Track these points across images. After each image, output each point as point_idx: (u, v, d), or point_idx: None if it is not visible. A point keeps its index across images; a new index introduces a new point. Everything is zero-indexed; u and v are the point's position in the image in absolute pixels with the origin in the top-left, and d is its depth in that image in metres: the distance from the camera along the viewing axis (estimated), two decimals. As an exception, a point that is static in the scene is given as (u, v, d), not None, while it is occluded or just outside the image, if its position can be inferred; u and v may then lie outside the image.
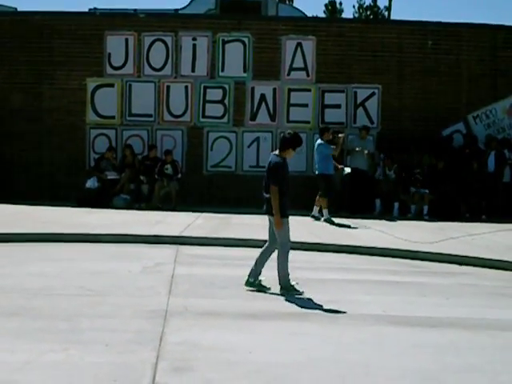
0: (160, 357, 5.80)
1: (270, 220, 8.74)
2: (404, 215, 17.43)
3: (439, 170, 17.70)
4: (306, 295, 8.51)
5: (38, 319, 6.89)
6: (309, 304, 8.05)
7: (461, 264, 11.49)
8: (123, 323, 6.88)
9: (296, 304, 8.03)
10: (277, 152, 8.75)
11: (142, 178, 18.21)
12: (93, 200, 17.45)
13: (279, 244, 8.62)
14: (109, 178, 18.16)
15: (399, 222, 16.19)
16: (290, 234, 8.70)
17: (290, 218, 8.70)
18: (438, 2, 69.29)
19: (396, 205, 17.71)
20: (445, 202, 17.48)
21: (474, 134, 18.81)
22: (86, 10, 23.36)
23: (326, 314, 7.65)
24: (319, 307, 7.91)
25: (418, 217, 17.18)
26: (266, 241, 12.53)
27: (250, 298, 8.26)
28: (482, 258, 11.55)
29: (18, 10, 24.95)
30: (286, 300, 8.21)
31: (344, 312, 7.73)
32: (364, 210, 17.37)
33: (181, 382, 5.25)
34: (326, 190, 15.77)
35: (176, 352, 5.97)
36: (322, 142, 16.02)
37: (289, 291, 8.50)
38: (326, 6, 48.80)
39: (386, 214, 17.36)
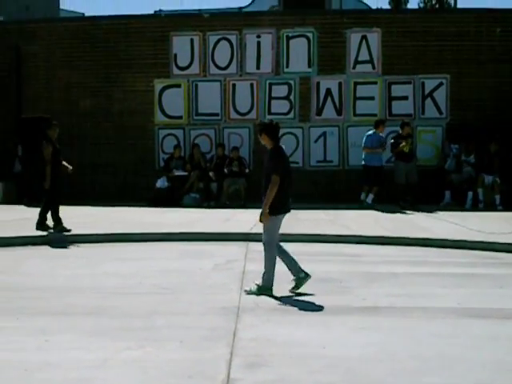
0: (234, 353, 5.83)
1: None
2: (475, 205, 17.10)
3: (511, 158, 17.31)
4: (379, 289, 8.44)
5: (114, 318, 7.02)
6: (381, 298, 7.97)
7: (537, 254, 11.22)
8: (197, 320, 6.96)
9: (368, 298, 7.96)
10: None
11: (211, 174, 18.35)
12: (163, 199, 17.71)
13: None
14: (176, 174, 18.34)
15: (471, 213, 15.88)
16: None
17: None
18: (505, -12, 67.52)
19: (470, 194, 17.37)
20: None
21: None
22: (152, 12, 23.72)
23: (399, 307, 7.56)
24: (392, 301, 7.83)
25: (491, 207, 16.83)
26: (333, 235, 12.53)
27: (321, 293, 8.23)
28: (560, 248, 11.25)
29: (86, 15, 25.53)
30: (358, 295, 8.15)
31: (417, 306, 7.64)
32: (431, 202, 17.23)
33: (256, 377, 5.27)
34: (364, 179, 17.34)
35: (250, 348, 6.00)
36: (370, 132, 17.42)
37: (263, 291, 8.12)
38: (390, -4, 48.09)
39: (456, 205, 17.09)
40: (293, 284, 8.28)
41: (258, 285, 8.19)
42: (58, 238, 12.43)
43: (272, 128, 8.37)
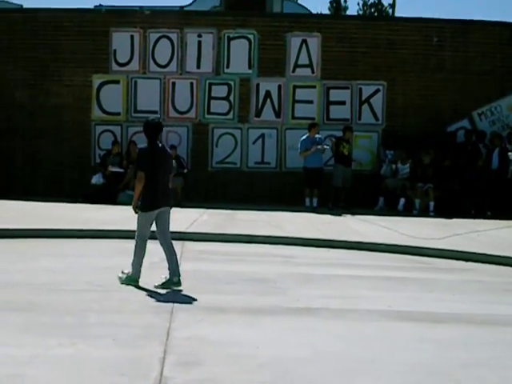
0: (167, 351, 5.82)
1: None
2: (409, 212, 17.40)
3: (445, 166, 17.68)
4: (313, 291, 8.53)
5: (45, 314, 6.93)
6: (315, 300, 8.06)
7: (466, 260, 11.48)
8: (131, 318, 6.92)
9: (302, 299, 8.04)
10: None
11: (147, 173, 18.19)
12: (98, 196, 17.48)
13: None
14: (112, 170, 18.12)
15: (404, 218, 16.16)
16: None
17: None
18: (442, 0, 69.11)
19: (402, 200, 17.67)
20: (450, 199, 17.45)
21: (480, 130, 18.75)
22: (92, 6, 23.42)
23: (331, 309, 7.66)
24: (325, 303, 7.92)
25: (423, 213, 17.16)
26: (269, 236, 12.57)
27: (257, 294, 8.28)
28: (488, 255, 11.53)
29: (24, 7, 25.02)
30: (292, 296, 8.22)
31: (350, 308, 7.75)
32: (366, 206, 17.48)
33: (189, 375, 5.28)
34: (305, 182, 17.45)
35: (183, 346, 6.00)
36: (304, 137, 17.38)
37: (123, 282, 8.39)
38: (330, 3, 48.66)
39: (390, 211, 17.35)
40: (162, 280, 8.37)
41: (127, 273, 8.41)
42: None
43: (147, 126, 8.73)
